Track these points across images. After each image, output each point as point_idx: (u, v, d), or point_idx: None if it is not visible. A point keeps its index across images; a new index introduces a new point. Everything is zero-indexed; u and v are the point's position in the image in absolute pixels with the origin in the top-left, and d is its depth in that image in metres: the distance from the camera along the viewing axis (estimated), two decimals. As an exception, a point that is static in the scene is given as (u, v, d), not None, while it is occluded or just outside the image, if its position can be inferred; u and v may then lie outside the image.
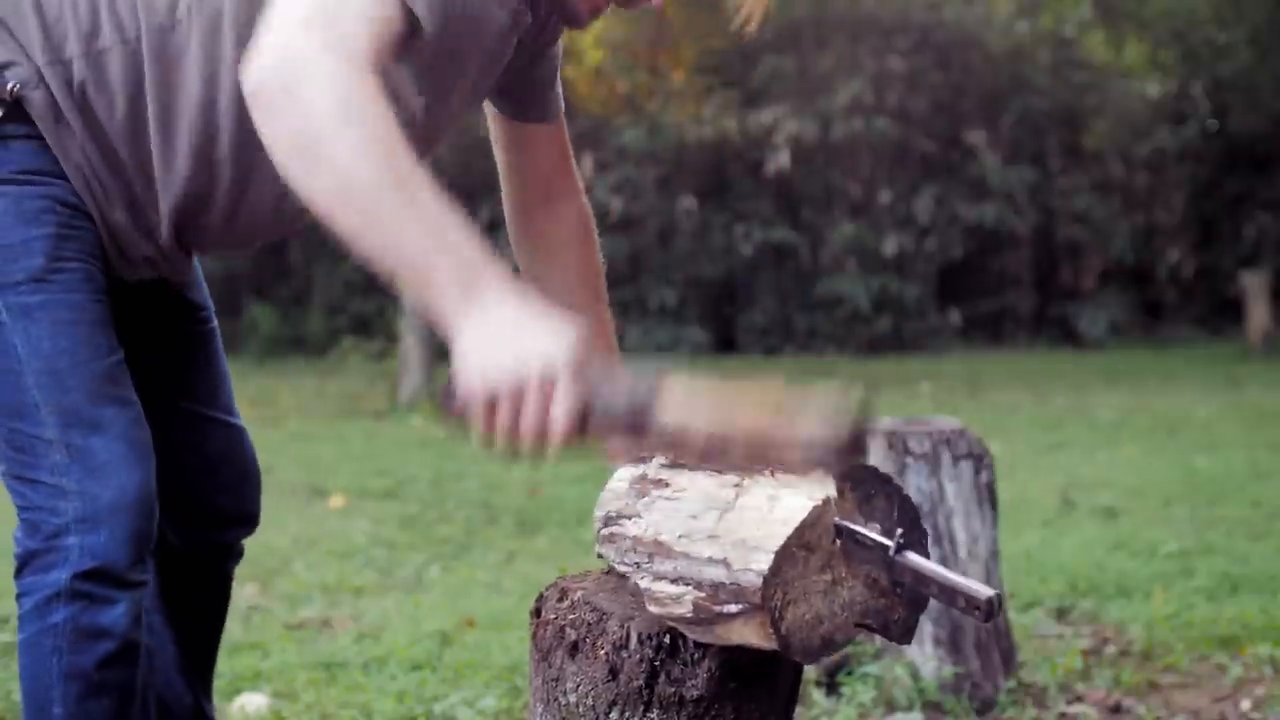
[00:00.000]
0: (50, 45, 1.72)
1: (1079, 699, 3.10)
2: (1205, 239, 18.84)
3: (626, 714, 1.62)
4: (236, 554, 2.22)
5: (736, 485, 1.60)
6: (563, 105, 1.97)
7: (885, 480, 1.58)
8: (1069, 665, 3.26)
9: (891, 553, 1.53)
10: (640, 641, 1.59)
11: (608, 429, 1.46)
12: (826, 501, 1.56)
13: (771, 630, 1.53)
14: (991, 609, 1.42)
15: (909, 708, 3.00)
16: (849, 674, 3.13)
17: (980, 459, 3.13)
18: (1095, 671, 3.26)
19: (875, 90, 17.47)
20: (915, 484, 3.09)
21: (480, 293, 1.36)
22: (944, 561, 3.09)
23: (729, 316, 17.50)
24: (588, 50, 19.06)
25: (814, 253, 17.47)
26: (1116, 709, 3.04)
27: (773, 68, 17.69)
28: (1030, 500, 5.68)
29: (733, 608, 1.49)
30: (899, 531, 1.53)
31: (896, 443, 3.11)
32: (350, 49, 1.40)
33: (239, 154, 1.75)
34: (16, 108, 1.72)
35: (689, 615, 1.52)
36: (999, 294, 18.27)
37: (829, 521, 1.56)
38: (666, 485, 1.66)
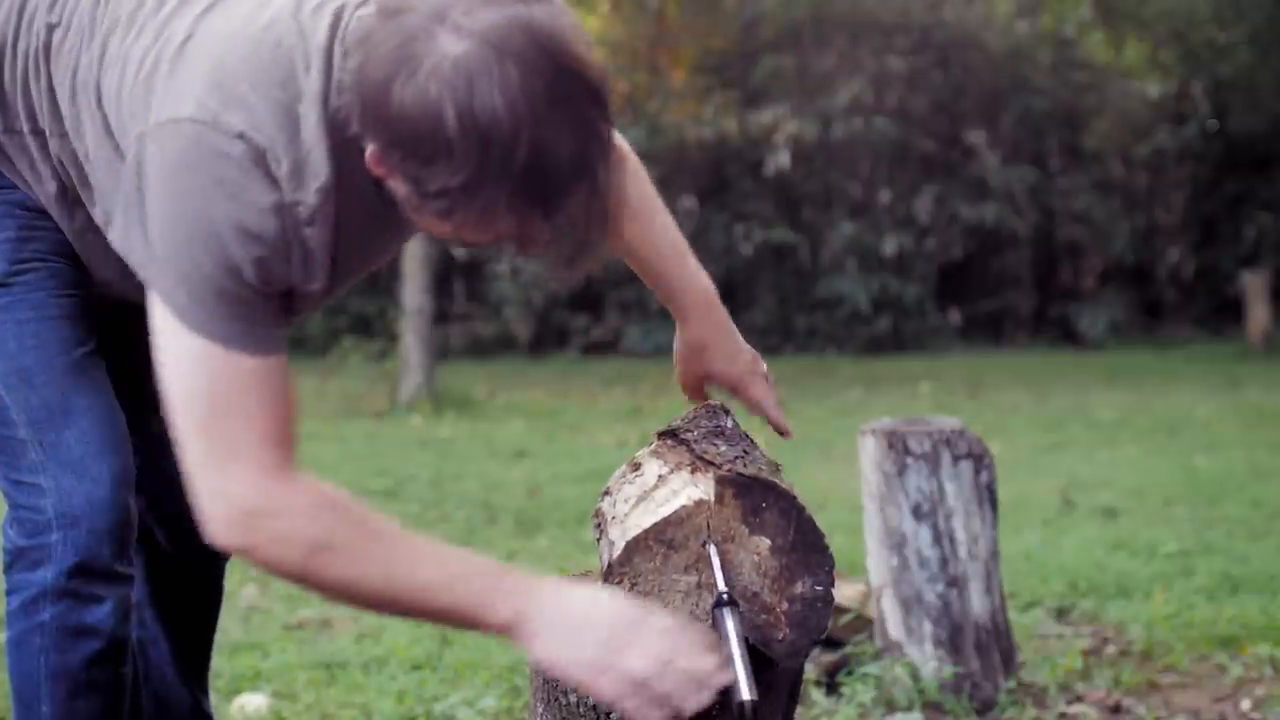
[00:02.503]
0: (4, 114, 1.74)
1: (1079, 699, 3.10)
2: (1205, 239, 18.83)
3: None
4: (225, 554, 2.21)
5: (659, 477, 1.63)
6: None
7: (783, 496, 1.57)
8: (1069, 665, 3.26)
9: (710, 604, 1.53)
10: (640, 641, 1.60)
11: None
12: (699, 505, 1.56)
13: None
14: (743, 713, 1.44)
15: (909, 708, 3.00)
16: (849, 674, 3.13)
17: (980, 459, 3.13)
18: (1095, 671, 3.26)
19: (875, 90, 17.47)
20: (915, 484, 3.09)
21: (526, 603, 1.46)
22: (944, 562, 3.09)
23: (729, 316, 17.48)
24: (588, 50, 19.04)
25: (814, 253, 17.47)
26: (1116, 709, 3.04)
27: (773, 68, 17.68)
28: (1030, 500, 5.67)
29: None
30: (725, 587, 1.52)
31: (896, 443, 3.10)
32: (272, 464, 1.47)
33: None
34: None
35: None
36: (999, 294, 18.26)
37: (701, 524, 1.56)
38: (638, 468, 1.70)
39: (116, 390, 1.85)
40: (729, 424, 1.79)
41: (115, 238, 1.57)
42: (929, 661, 3.08)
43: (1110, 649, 3.48)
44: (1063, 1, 18.62)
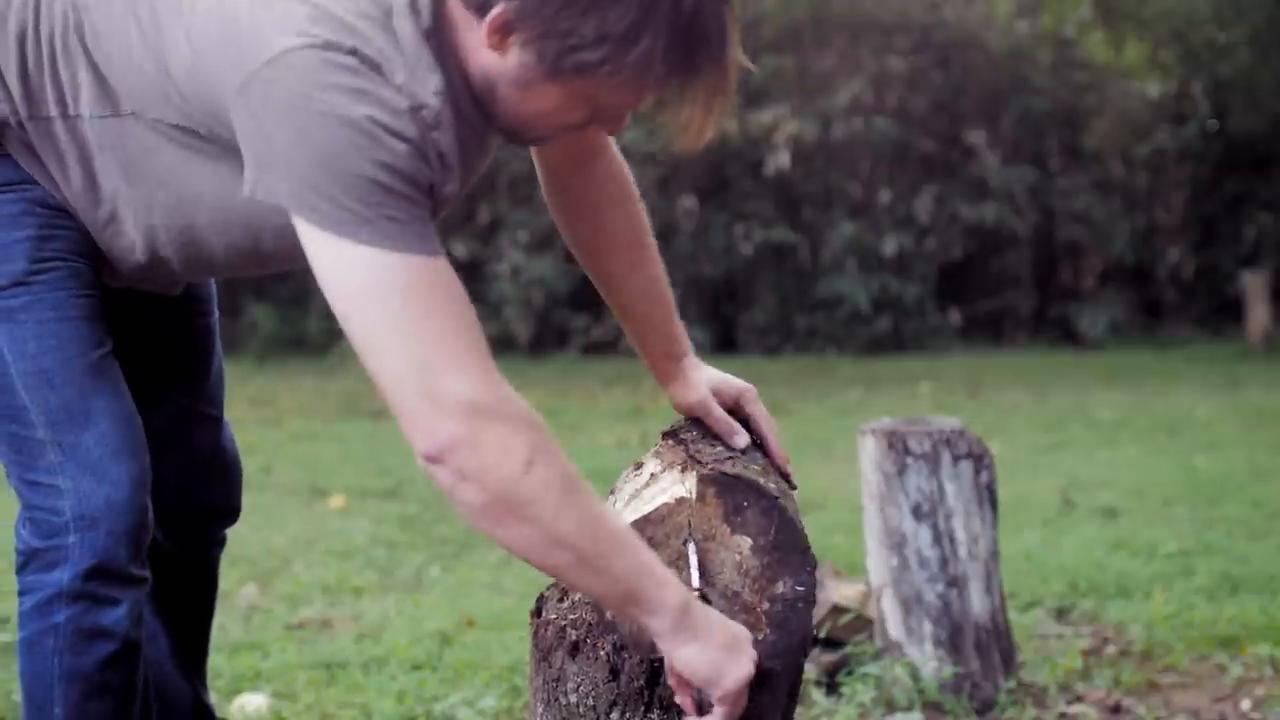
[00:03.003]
0: (28, 101, 1.71)
1: (1079, 699, 3.10)
2: (1205, 239, 18.83)
3: (627, 714, 1.62)
4: (220, 542, 2.24)
5: (652, 475, 1.64)
6: None
7: (765, 496, 1.57)
8: (1069, 665, 3.26)
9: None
10: (640, 641, 1.59)
11: None
12: (680, 503, 1.57)
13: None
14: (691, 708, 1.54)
15: (909, 708, 3.00)
16: (849, 674, 3.13)
17: (980, 459, 3.13)
18: (1095, 671, 3.26)
19: (875, 90, 17.47)
20: (915, 484, 3.09)
21: (687, 616, 1.49)
22: (944, 562, 3.09)
23: (729, 316, 17.49)
24: (588, 50, 19.05)
25: (814, 253, 17.47)
26: (1116, 709, 3.04)
27: (773, 68, 17.67)
28: (1030, 500, 5.68)
29: None
30: (699, 585, 1.54)
31: (896, 443, 3.11)
32: (480, 375, 1.47)
33: (181, 238, 1.76)
34: None
35: None
36: (999, 294, 18.26)
37: (683, 522, 1.57)
38: (639, 468, 1.71)
39: None
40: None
41: (256, 193, 1.51)
42: (929, 661, 3.09)
43: (1110, 649, 3.48)
44: (1063, 1, 18.61)
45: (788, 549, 1.56)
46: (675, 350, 1.89)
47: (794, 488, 1.80)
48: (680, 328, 1.92)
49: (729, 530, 1.57)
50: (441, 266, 1.50)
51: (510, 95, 1.54)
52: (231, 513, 2.21)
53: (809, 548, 1.58)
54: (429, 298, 1.48)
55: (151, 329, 2.01)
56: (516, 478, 1.45)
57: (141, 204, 1.73)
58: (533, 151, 1.89)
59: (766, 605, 1.56)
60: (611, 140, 1.88)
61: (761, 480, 1.61)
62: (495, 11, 1.46)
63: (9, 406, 1.75)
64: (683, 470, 1.63)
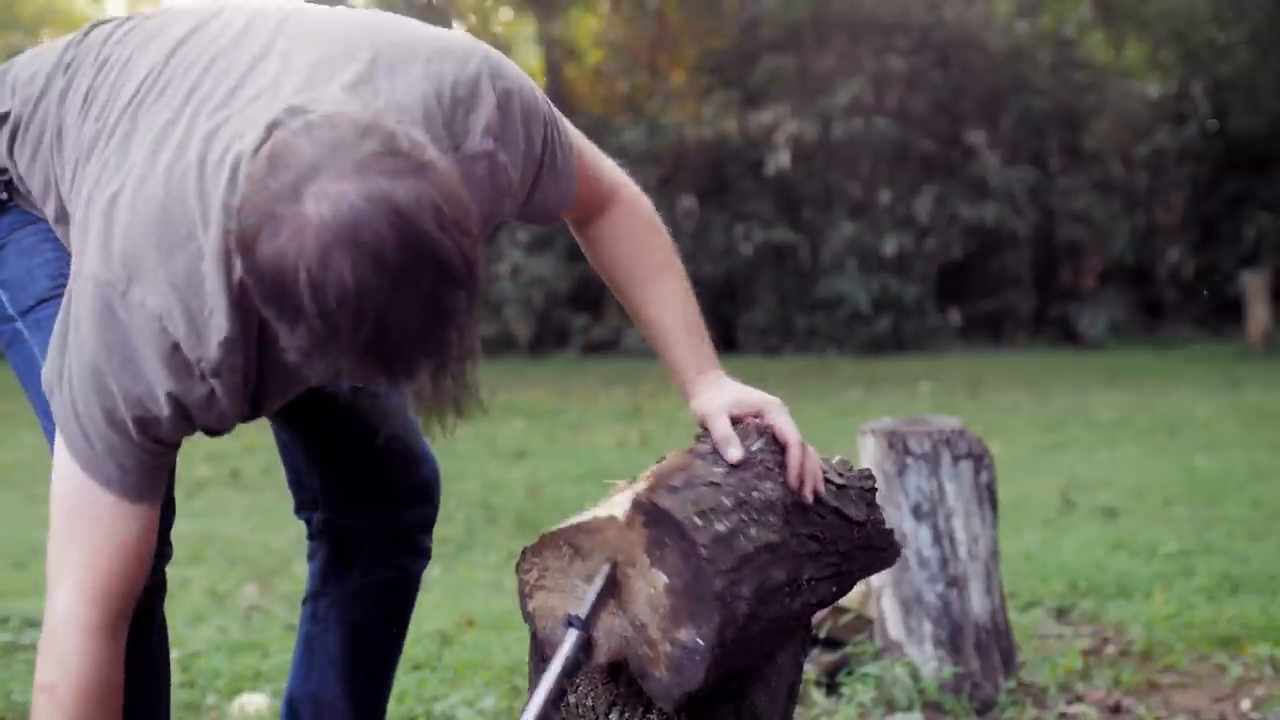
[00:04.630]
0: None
1: (1079, 699, 3.10)
2: (1205, 239, 18.83)
3: (626, 714, 1.62)
4: (422, 552, 2.18)
5: (630, 481, 1.64)
6: (574, 180, 1.85)
7: (686, 539, 1.54)
8: (1069, 665, 3.26)
9: (564, 622, 1.55)
10: (640, 642, 1.59)
11: None
12: (610, 520, 1.56)
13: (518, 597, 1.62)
14: None
15: (909, 708, 3.00)
16: (849, 674, 3.13)
17: (980, 459, 3.13)
18: (1095, 671, 3.26)
19: (875, 90, 17.47)
20: (915, 484, 3.09)
21: None
22: (944, 562, 3.09)
23: (729, 316, 17.49)
24: (588, 50, 19.07)
25: (814, 253, 17.47)
26: (1116, 709, 3.04)
27: (773, 68, 17.68)
28: (1030, 500, 5.67)
29: None
30: (585, 613, 1.54)
31: (896, 443, 3.11)
32: (85, 610, 1.63)
33: None
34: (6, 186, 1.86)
35: None
36: (999, 294, 18.25)
37: (609, 540, 1.56)
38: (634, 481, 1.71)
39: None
40: (755, 445, 1.74)
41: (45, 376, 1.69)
42: (929, 661, 3.09)
43: (1110, 649, 3.48)
44: (1063, 1, 18.62)
45: (697, 599, 1.52)
46: (698, 365, 1.89)
47: (818, 501, 1.76)
48: (702, 347, 1.92)
49: (649, 562, 1.55)
50: (128, 510, 1.64)
51: None
52: (421, 496, 2.15)
53: (719, 601, 1.52)
54: (94, 526, 1.64)
55: None
56: (36, 687, 1.67)
57: None
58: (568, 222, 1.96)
59: (668, 647, 1.53)
60: (625, 184, 1.93)
61: (695, 521, 1.55)
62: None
63: (44, 403, 1.84)
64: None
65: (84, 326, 1.59)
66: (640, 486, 1.60)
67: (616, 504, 1.60)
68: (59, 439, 1.64)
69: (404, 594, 2.19)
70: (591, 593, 1.55)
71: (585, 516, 1.60)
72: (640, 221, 1.94)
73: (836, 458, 1.82)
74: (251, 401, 1.67)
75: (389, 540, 2.13)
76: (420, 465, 2.14)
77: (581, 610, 1.54)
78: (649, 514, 1.54)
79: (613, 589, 1.56)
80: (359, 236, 1.35)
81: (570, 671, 1.53)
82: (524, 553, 1.62)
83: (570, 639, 1.53)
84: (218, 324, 1.57)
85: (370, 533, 2.12)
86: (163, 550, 1.86)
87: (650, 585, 1.54)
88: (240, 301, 1.55)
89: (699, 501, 1.58)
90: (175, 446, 1.66)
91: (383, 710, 2.23)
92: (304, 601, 2.19)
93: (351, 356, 1.40)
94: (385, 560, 2.14)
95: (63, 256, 1.81)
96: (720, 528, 1.56)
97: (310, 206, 1.36)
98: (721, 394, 1.83)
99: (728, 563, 1.54)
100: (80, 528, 1.64)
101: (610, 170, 1.93)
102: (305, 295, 1.36)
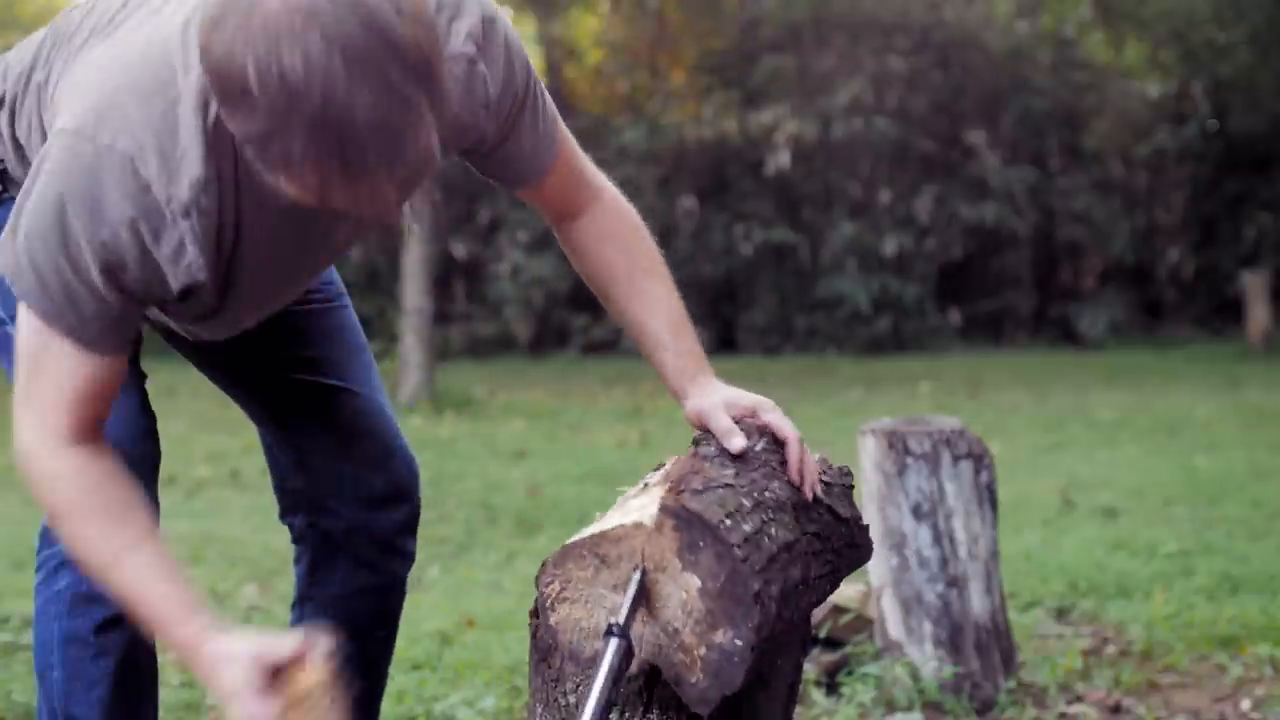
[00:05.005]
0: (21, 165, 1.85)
1: (1079, 699, 3.10)
2: (1205, 239, 18.83)
3: (626, 715, 1.61)
4: (405, 554, 2.18)
5: (644, 485, 1.63)
6: (557, 147, 1.88)
7: (720, 541, 1.53)
8: (1069, 665, 3.26)
9: (605, 632, 1.52)
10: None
11: None
12: (637, 527, 1.55)
13: (535, 611, 1.60)
14: None
15: (909, 708, 3.00)
16: (849, 674, 3.13)
17: (980, 459, 3.13)
18: (1095, 671, 3.26)
19: (875, 90, 17.47)
20: (915, 484, 3.09)
21: (193, 651, 1.60)
22: (944, 562, 3.09)
23: (729, 316, 17.50)
24: (588, 50, 19.07)
25: (814, 253, 17.47)
26: (1116, 709, 3.04)
27: (773, 68, 17.68)
28: (1030, 500, 5.67)
29: None
30: (623, 620, 1.51)
31: (896, 443, 3.11)
32: (53, 434, 1.64)
33: None
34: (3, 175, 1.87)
35: None
36: (999, 294, 18.26)
37: (639, 546, 1.54)
38: (658, 468, 1.69)
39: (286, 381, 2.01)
40: (759, 445, 1.73)
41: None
42: (929, 661, 3.08)
43: (1110, 649, 3.48)
44: (1063, 1, 18.61)
45: (734, 600, 1.51)
46: (691, 368, 1.88)
47: (815, 500, 1.75)
48: (694, 349, 1.92)
49: (680, 566, 1.53)
50: (90, 359, 1.64)
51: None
52: (400, 496, 2.15)
53: (758, 601, 1.51)
54: (54, 370, 1.64)
55: (311, 332, 2.10)
56: (51, 521, 1.72)
57: None
58: (537, 205, 1.96)
59: (704, 650, 1.52)
60: (610, 188, 1.94)
61: (726, 522, 1.54)
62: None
63: None
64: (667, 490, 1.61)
65: (49, 176, 1.57)
66: (660, 492, 1.59)
67: (636, 509, 1.58)
68: (20, 298, 1.64)
69: (390, 596, 2.20)
70: (627, 600, 1.53)
71: (609, 524, 1.58)
72: (627, 224, 1.94)
73: (817, 455, 1.82)
74: (225, 277, 1.67)
75: (371, 542, 2.13)
76: (398, 465, 2.14)
77: (619, 618, 1.52)
78: (679, 517, 1.53)
79: (643, 596, 1.55)
80: (316, 12, 1.35)
81: (616, 680, 1.51)
82: (544, 566, 1.60)
83: (612, 648, 1.50)
84: (191, 165, 1.56)
85: (351, 535, 2.13)
86: (150, 432, 1.91)
87: (683, 589, 1.53)
88: (215, 145, 1.56)
89: (723, 503, 1.57)
90: (139, 302, 1.65)
91: (376, 712, 2.24)
92: (292, 606, 2.20)
93: (300, 138, 1.37)
94: (368, 563, 2.15)
95: None
96: (747, 528, 1.56)
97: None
98: (716, 393, 1.82)
99: (759, 562, 1.54)
100: (43, 371, 1.64)
101: (595, 172, 1.94)
102: (252, 78, 1.35)
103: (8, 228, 1.62)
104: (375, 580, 2.16)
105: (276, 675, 1.56)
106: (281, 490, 2.18)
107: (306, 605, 2.16)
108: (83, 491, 1.64)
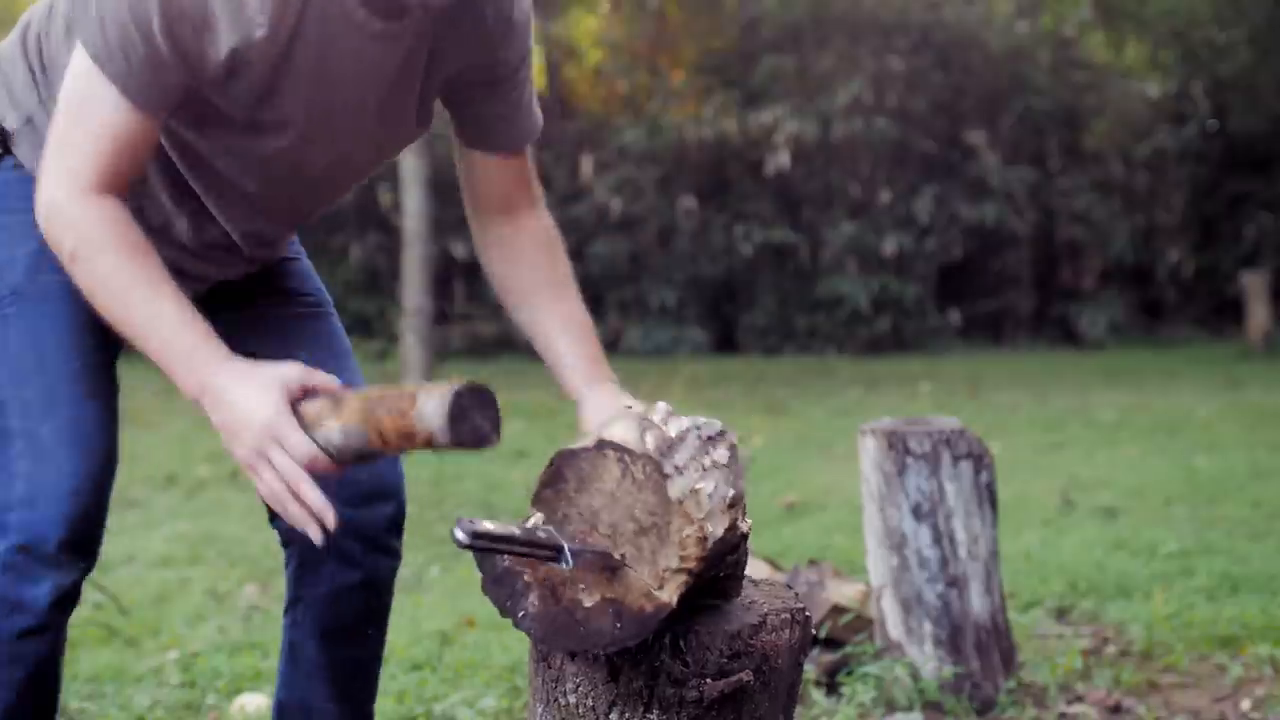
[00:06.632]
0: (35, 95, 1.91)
1: (1079, 699, 3.10)
2: (1205, 239, 18.84)
3: (626, 714, 1.62)
4: (391, 552, 2.18)
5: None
6: (531, 135, 1.99)
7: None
8: (1069, 665, 3.26)
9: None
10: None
11: (345, 458, 1.66)
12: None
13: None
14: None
15: (909, 708, 3.00)
16: (849, 674, 3.13)
17: (980, 459, 3.13)
18: (1095, 671, 3.26)
19: (875, 90, 17.48)
20: (915, 484, 3.09)
21: (205, 380, 1.66)
22: (944, 562, 3.09)
23: (729, 316, 17.51)
24: (588, 50, 19.07)
25: (814, 253, 17.49)
26: (1116, 709, 3.04)
27: (773, 68, 17.69)
28: (1030, 500, 5.68)
29: None
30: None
31: (896, 443, 3.11)
32: (78, 177, 1.71)
33: (170, 175, 1.90)
34: (4, 145, 1.93)
35: None
36: (999, 294, 18.27)
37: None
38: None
39: None
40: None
41: (62, 6, 1.79)
42: (929, 661, 3.09)
43: (1110, 649, 3.48)
44: (1062, 1, 18.62)
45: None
46: (588, 372, 1.96)
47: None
48: (596, 357, 2.00)
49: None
50: (134, 115, 1.71)
51: None
52: (385, 494, 2.16)
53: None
54: (96, 118, 1.72)
55: (254, 320, 2.10)
56: (68, 263, 1.74)
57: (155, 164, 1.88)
58: (467, 208, 2.05)
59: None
60: (540, 204, 2.04)
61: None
62: None
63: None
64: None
65: None
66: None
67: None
68: (79, 51, 1.71)
69: (377, 595, 2.19)
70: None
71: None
72: (554, 235, 2.04)
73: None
74: (272, 73, 1.74)
75: (357, 540, 2.14)
76: (384, 462, 2.15)
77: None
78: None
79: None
80: None
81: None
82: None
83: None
84: None
85: (337, 533, 2.13)
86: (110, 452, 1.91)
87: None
88: None
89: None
90: (189, 66, 1.71)
91: (370, 712, 2.24)
92: (285, 611, 2.21)
93: None
94: (355, 561, 2.15)
95: (47, 253, 1.83)
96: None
97: None
98: (605, 406, 1.88)
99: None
100: (84, 119, 1.71)
101: (538, 189, 2.04)
102: None
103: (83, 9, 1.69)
104: (363, 578, 2.16)
105: (296, 401, 1.63)
106: None
107: (298, 606, 2.17)
108: (103, 229, 1.70)
